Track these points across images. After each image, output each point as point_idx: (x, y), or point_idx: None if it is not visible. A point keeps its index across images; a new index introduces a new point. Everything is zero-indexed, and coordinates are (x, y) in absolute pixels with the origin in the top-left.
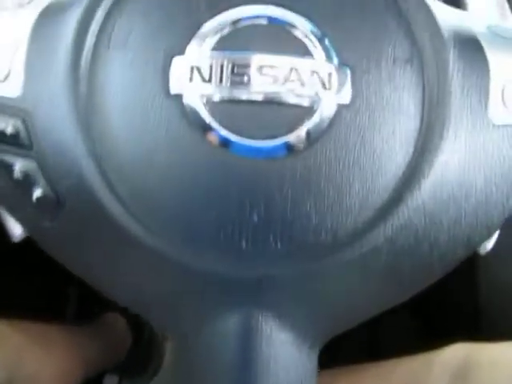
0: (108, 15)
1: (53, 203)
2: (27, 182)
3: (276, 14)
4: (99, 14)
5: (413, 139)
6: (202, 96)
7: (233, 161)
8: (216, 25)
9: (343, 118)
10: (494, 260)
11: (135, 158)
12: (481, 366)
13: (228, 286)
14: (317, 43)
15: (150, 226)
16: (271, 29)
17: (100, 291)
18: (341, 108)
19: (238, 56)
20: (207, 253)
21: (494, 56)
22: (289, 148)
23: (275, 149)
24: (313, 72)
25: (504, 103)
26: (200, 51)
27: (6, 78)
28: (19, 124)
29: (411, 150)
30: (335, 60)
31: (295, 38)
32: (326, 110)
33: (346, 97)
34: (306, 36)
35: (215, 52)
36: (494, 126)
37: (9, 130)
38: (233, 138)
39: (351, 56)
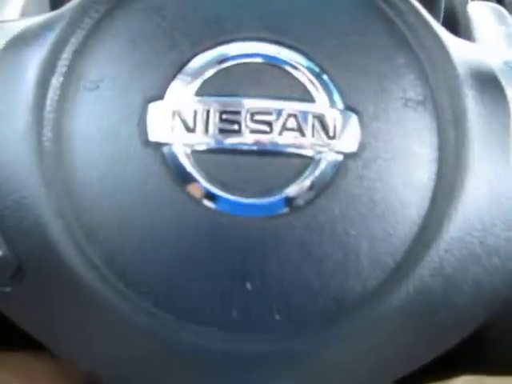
0: (78, 51)
1: (13, 267)
2: None
3: (270, 52)
4: (68, 49)
5: (428, 191)
6: (185, 145)
7: (221, 220)
8: (200, 64)
9: (349, 169)
10: None
11: (109, 216)
12: None
13: (216, 363)
14: (318, 85)
15: (127, 294)
16: (264, 68)
17: (72, 361)
18: (347, 158)
19: (227, 100)
20: (191, 325)
21: None
22: (288, 204)
23: (272, 205)
24: (314, 118)
25: None
26: (182, 95)
27: None
28: None
29: (426, 203)
30: (339, 104)
31: (293, 78)
32: (330, 160)
33: (352, 145)
34: (306, 76)
35: (199, 97)
36: None
37: None
38: (220, 192)
39: (357, 99)
